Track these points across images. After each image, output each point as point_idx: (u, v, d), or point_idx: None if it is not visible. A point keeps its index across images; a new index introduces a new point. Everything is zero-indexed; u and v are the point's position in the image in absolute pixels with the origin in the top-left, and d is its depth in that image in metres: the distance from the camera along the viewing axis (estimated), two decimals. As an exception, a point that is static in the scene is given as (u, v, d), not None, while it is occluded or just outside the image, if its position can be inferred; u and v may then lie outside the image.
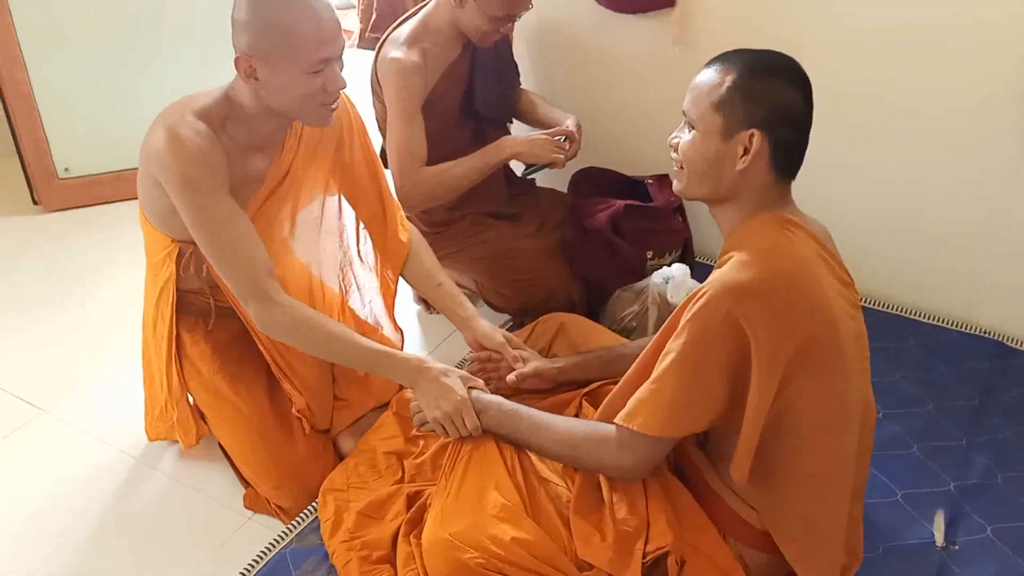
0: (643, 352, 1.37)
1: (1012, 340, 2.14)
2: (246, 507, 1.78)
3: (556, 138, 2.02)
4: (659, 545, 1.31)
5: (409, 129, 1.97)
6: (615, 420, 1.33)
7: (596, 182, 2.28)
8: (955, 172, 2.08)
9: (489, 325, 1.78)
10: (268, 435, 1.72)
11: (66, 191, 2.99)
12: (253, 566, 1.52)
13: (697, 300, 1.24)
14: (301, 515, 1.62)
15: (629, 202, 2.09)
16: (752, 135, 1.26)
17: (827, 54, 2.07)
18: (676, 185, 1.39)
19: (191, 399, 1.83)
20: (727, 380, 1.25)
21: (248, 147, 1.61)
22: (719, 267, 1.29)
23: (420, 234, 1.92)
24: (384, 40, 2.05)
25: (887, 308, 2.28)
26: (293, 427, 1.75)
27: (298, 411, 1.75)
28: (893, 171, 2.16)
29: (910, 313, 2.26)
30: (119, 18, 2.86)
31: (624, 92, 2.41)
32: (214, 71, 1.75)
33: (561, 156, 2.00)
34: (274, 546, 1.56)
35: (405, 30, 2.02)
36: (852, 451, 1.33)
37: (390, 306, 1.91)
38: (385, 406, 1.81)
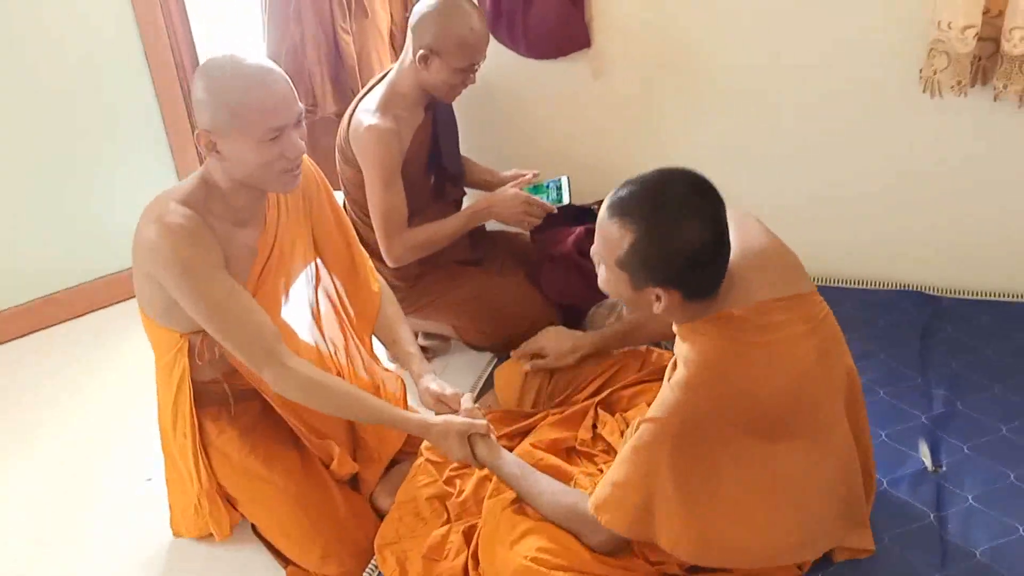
0: None
1: (930, 288, 2.42)
2: (291, 586, 1.81)
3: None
4: None
5: (391, 193, 2.09)
6: (589, 507, 1.44)
7: (549, 215, 2.44)
8: (862, 145, 2.34)
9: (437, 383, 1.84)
10: (308, 505, 1.76)
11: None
12: None
13: (651, 420, 1.35)
14: (366, 574, 1.67)
15: (588, 226, 2.26)
16: (660, 294, 1.32)
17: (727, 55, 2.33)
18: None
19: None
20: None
21: (233, 223, 1.65)
22: (672, 367, 1.40)
23: (393, 278, 2.01)
24: (354, 109, 2.16)
25: (817, 282, 2.52)
26: (331, 493, 1.80)
27: (333, 464, 1.80)
28: (801, 152, 2.40)
29: (838, 283, 2.51)
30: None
31: (557, 131, 2.59)
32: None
33: (534, 220, 2.18)
34: None
35: (375, 98, 2.13)
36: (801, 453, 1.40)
37: (374, 358, 1.98)
38: (408, 454, 1.89)
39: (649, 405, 1.72)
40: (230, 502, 1.86)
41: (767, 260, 1.42)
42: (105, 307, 2.97)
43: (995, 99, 2.11)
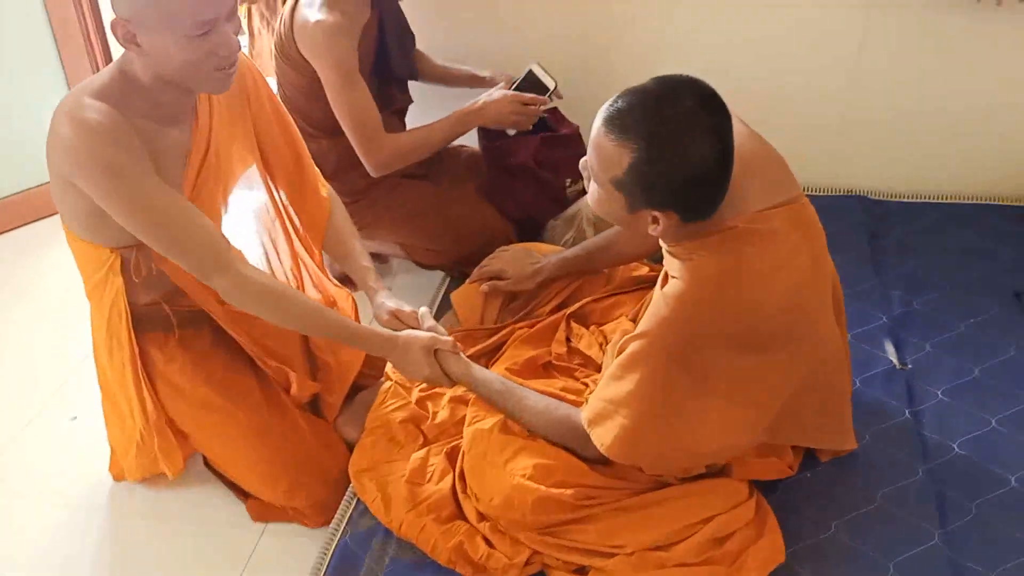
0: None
1: (873, 193, 2.43)
2: (255, 520, 1.70)
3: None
4: None
5: (357, 93, 1.92)
6: (582, 421, 1.38)
7: None
8: (811, 48, 2.30)
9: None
10: (271, 434, 1.64)
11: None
12: (320, 567, 1.46)
13: (643, 335, 1.29)
14: (345, 502, 1.57)
15: (544, 134, 2.15)
16: (658, 216, 1.23)
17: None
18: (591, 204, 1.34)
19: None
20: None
21: (157, 121, 1.45)
22: (667, 271, 1.34)
23: (335, 192, 1.87)
24: (295, 3, 1.95)
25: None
26: (295, 421, 1.68)
27: (292, 387, 1.68)
28: (750, 66, 2.35)
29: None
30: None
31: (513, 30, 2.43)
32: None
33: (529, 120, 2.07)
34: (328, 543, 1.50)
35: None
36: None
37: (324, 273, 1.85)
38: (368, 378, 1.79)
39: (627, 317, 1.70)
40: (179, 435, 1.71)
41: (758, 166, 1.34)
42: (11, 229, 2.71)
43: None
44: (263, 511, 1.70)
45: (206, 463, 1.77)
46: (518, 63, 2.20)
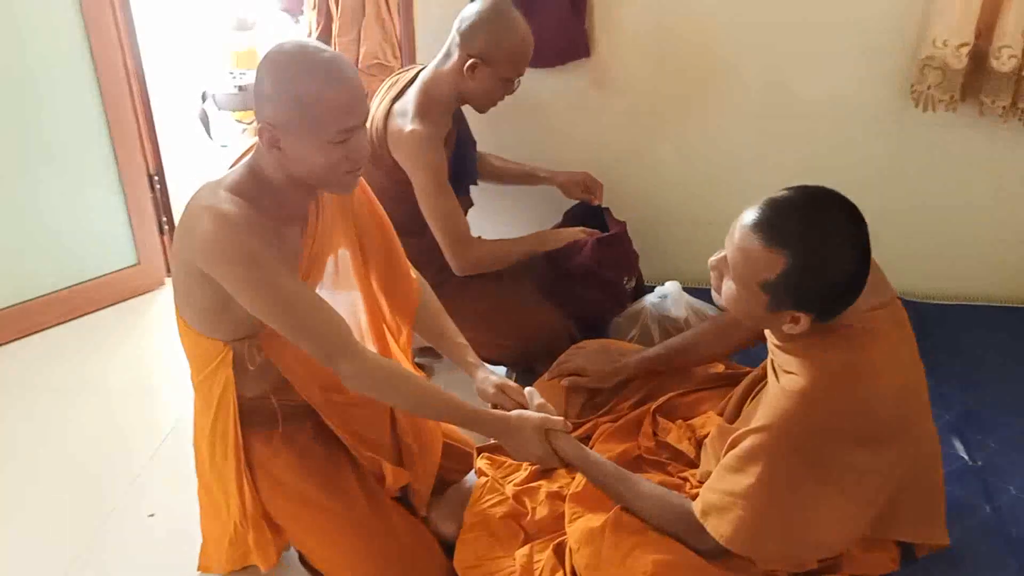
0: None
1: (908, 295, 2.54)
2: (351, 620, 1.66)
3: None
4: None
5: (448, 197, 2.01)
6: (696, 512, 1.40)
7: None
8: (852, 155, 2.43)
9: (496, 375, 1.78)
10: (372, 533, 1.63)
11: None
12: None
13: (764, 428, 1.33)
14: None
15: (600, 235, 2.22)
16: (800, 317, 1.30)
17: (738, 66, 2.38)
18: (715, 299, 1.41)
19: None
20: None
21: (280, 220, 1.51)
22: (777, 368, 1.39)
23: (423, 278, 1.90)
24: (388, 112, 2.04)
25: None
26: (393, 518, 1.67)
27: (388, 478, 1.68)
28: (795, 158, 2.47)
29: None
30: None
31: (557, 138, 2.56)
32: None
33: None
34: None
35: (411, 101, 2.02)
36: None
37: (408, 355, 1.88)
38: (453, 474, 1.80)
39: (714, 413, 1.74)
40: (274, 530, 1.69)
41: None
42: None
43: (981, 114, 2.25)
44: (359, 608, 1.66)
45: (301, 560, 1.74)
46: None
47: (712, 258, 1.37)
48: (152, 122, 2.77)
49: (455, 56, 2.02)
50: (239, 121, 4.36)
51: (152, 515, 1.95)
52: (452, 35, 2.03)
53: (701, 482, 1.56)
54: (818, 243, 1.25)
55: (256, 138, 1.46)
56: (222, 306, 1.46)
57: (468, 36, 1.98)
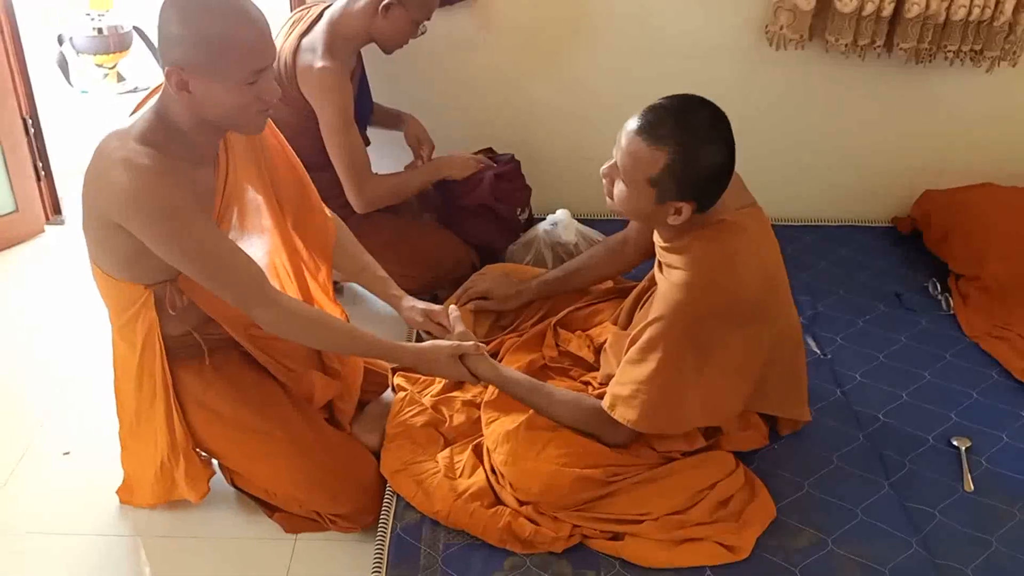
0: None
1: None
2: (288, 532, 1.77)
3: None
4: None
5: (353, 135, 2.07)
6: (606, 408, 1.60)
7: None
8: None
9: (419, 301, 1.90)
10: (310, 450, 1.73)
11: None
12: (380, 559, 1.56)
13: (659, 319, 1.54)
14: (387, 500, 1.67)
15: (495, 171, 2.35)
16: (682, 207, 1.50)
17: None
18: (608, 204, 1.59)
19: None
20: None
21: (191, 163, 1.54)
22: (665, 266, 1.59)
23: (338, 216, 1.97)
24: (296, 47, 2.07)
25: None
26: (326, 433, 1.78)
27: (316, 394, 1.78)
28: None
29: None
30: None
31: (445, 80, 2.64)
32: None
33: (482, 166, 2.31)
34: (383, 537, 1.60)
35: (319, 38, 2.06)
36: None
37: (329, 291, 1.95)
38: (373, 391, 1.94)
39: (609, 322, 1.93)
40: (203, 461, 1.77)
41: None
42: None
43: (826, 51, 2.52)
44: (294, 523, 1.77)
45: (232, 482, 1.82)
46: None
47: (603, 167, 1.55)
48: (24, 63, 2.66)
49: None
50: (100, 66, 4.17)
51: (67, 452, 1.97)
52: None
53: (603, 383, 1.76)
54: (692, 138, 1.45)
55: (163, 80, 1.46)
56: (139, 254, 1.49)
57: None
